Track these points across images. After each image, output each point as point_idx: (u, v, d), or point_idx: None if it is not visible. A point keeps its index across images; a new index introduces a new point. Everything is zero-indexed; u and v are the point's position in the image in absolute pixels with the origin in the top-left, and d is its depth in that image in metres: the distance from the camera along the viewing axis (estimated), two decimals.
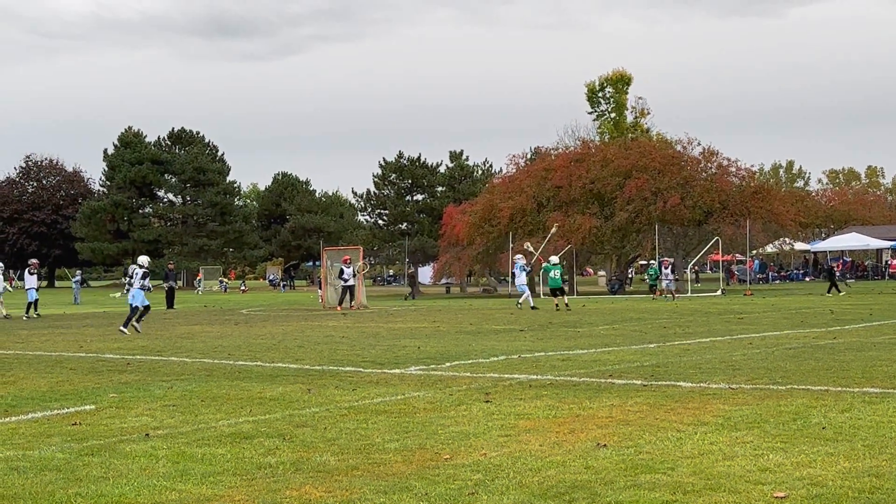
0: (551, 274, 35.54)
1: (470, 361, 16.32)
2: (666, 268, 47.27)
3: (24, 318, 35.21)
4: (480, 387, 12.90)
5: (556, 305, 34.41)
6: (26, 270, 38.34)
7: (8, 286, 37.94)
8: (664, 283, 47.29)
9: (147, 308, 25.56)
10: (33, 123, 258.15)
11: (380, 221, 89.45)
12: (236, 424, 10.23)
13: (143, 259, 26.11)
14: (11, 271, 38.72)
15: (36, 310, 36.84)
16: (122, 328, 24.82)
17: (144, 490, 7.30)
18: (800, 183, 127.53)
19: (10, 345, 21.73)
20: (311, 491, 7.18)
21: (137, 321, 25.01)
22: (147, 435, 9.67)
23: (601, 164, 58.62)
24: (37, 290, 37.38)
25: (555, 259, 36.71)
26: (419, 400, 11.79)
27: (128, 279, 27.17)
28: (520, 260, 38.18)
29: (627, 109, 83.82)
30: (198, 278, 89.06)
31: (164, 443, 9.23)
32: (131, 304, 25.11)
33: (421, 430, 9.67)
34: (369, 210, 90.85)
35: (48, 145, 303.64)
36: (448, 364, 15.94)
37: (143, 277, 25.41)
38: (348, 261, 39.60)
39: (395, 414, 10.72)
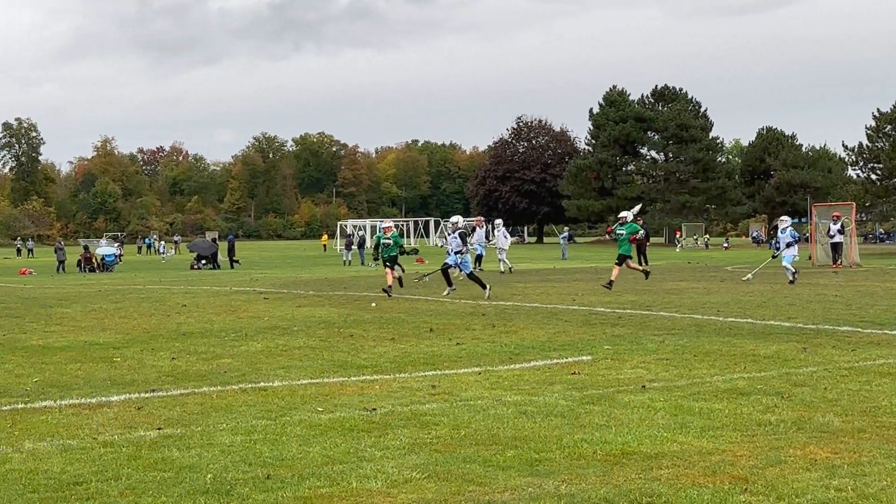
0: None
1: None
2: (783, 231, 28.46)
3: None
4: None
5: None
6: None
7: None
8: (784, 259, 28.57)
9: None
10: (526, 84, 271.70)
11: (873, 176, 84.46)
12: (731, 380, 10.16)
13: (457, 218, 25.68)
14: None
15: (480, 265, 38.18)
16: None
17: (646, 440, 7.46)
18: None
19: (509, 296, 22.99)
20: (815, 451, 6.98)
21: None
22: (643, 387, 9.87)
23: None
24: (484, 246, 38.81)
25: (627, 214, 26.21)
26: None
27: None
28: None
29: None
30: (678, 235, 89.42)
31: (661, 395, 9.37)
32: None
33: None
34: (861, 164, 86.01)
35: (538, 106, 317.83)
36: None
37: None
38: (837, 217, 37.92)
39: None
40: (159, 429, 8.19)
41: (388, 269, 24.23)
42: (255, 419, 8.55)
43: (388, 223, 27.17)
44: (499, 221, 40.16)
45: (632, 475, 6.47)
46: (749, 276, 28.81)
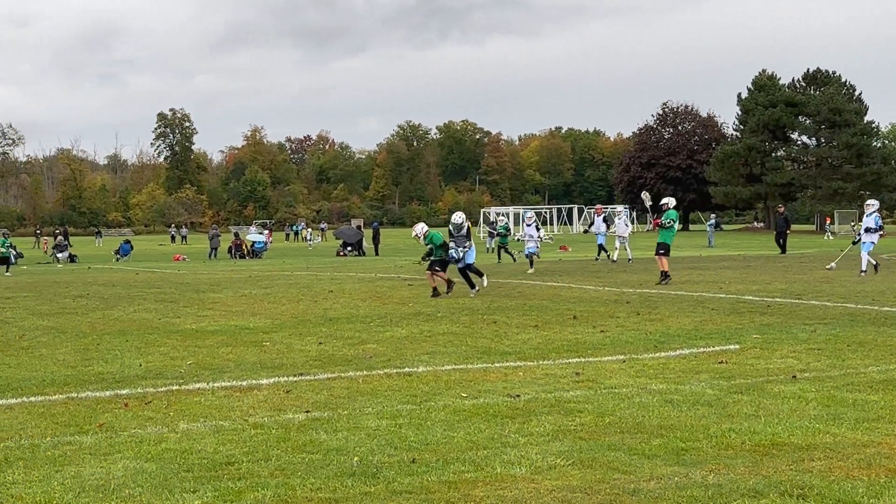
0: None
1: None
2: (867, 216, 25.98)
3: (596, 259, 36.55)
4: None
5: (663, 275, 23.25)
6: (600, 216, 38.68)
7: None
8: None
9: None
10: (671, 69, 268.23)
11: None
12: (887, 371, 9.84)
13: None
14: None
15: (605, 252, 37.48)
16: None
17: (797, 431, 7.27)
18: None
19: (653, 284, 22.65)
20: None
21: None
22: (794, 377, 9.63)
23: None
24: (605, 234, 37.88)
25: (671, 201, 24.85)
26: None
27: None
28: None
29: None
30: (827, 223, 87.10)
31: (812, 385, 9.12)
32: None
33: None
34: None
35: (684, 91, 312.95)
36: None
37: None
38: None
39: None
40: (307, 412, 8.35)
41: (430, 273, 20.79)
42: (400, 404, 8.64)
43: (418, 228, 21.59)
44: (620, 209, 39.64)
45: (782, 466, 6.32)
46: (832, 264, 27.42)
